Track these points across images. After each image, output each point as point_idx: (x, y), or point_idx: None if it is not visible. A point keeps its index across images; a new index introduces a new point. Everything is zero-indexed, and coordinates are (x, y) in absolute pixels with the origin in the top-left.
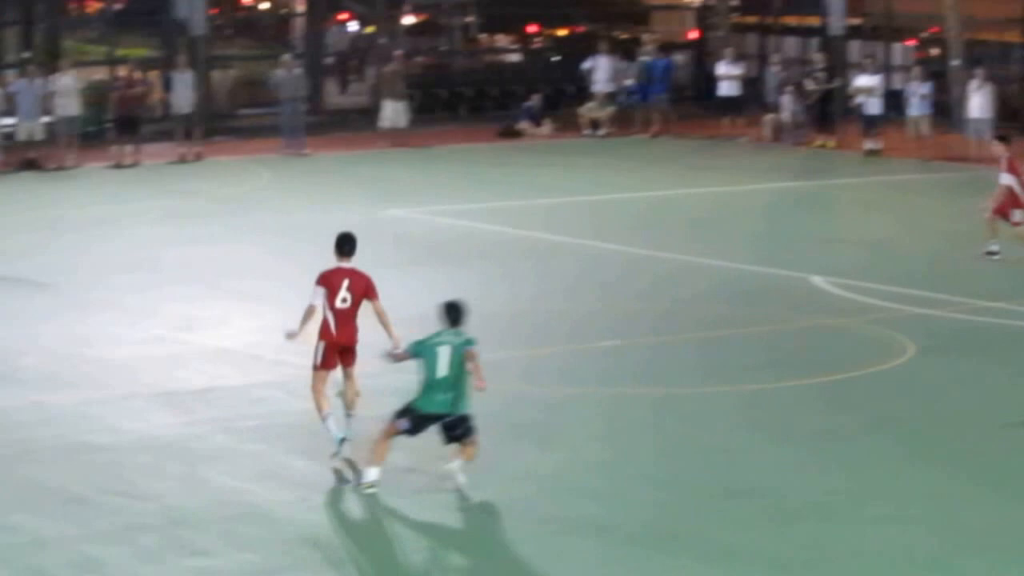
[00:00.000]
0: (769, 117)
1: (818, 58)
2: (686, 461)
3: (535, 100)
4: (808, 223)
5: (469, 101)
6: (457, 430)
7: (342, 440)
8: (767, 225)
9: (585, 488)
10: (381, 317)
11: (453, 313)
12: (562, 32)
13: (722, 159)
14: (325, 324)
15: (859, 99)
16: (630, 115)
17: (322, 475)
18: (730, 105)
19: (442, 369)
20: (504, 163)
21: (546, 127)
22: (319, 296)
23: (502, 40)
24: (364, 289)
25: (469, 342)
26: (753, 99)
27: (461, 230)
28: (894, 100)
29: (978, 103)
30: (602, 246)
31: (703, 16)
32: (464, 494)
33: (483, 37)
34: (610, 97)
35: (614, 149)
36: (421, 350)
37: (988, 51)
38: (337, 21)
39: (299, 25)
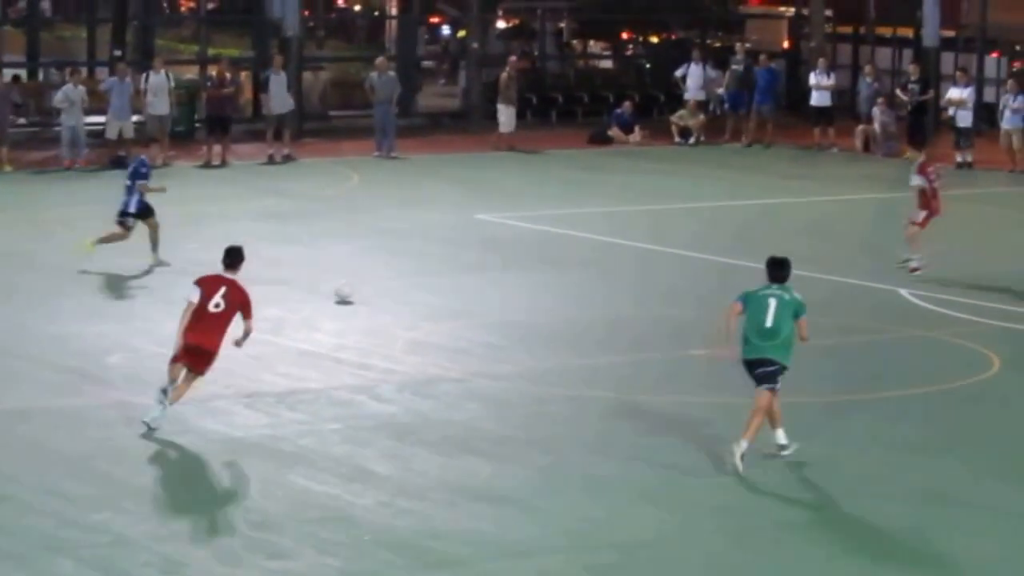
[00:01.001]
0: (861, 128)
1: (911, 69)
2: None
3: (626, 106)
4: (898, 235)
5: (560, 106)
6: (763, 369)
7: (150, 420)
8: (858, 236)
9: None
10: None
11: (778, 269)
12: (655, 39)
13: (814, 169)
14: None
15: (950, 111)
16: (721, 123)
17: (406, 479)
18: (822, 115)
19: (768, 320)
20: (594, 168)
21: (636, 134)
22: (195, 295)
23: (595, 46)
24: (241, 302)
25: (801, 307)
26: (845, 109)
27: (552, 235)
28: (988, 113)
29: None
30: (697, 256)
31: (797, 25)
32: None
33: (576, 42)
34: (702, 105)
35: (706, 157)
36: (750, 300)
37: None
38: (430, 23)
39: (392, 27)
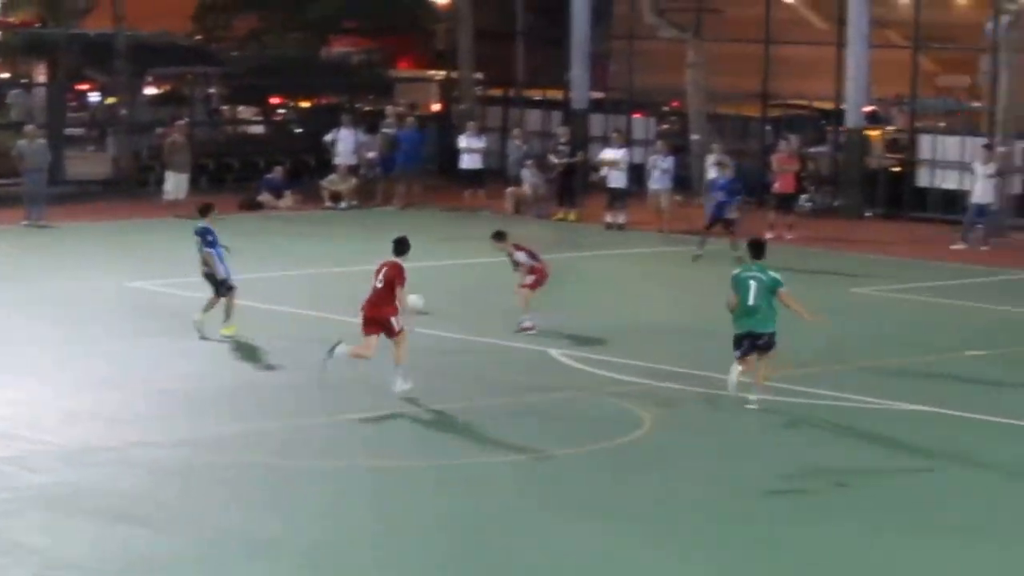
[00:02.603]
0: (511, 190)
1: (561, 131)
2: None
3: (277, 172)
4: (546, 297)
5: (211, 172)
6: (761, 341)
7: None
8: (510, 299)
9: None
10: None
11: (757, 249)
12: (306, 103)
13: (465, 232)
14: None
15: (603, 172)
16: (372, 188)
17: (59, 551)
18: (472, 178)
19: (751, 299)
20: (246, 234)
21: (287, 199)
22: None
23: (245, 111)
24: (391, 276)
25: (777, 283)
26: (496, 172)
27: (197, 302)
28: (637, 173)
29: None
30: (351, 320)
31: (447, 88)
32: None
33: (226, 108)
34: (353, 169)
35: (358, 221)
36: (737, 283)
37: (730, 125)
38: (78, 90)
39: (40, 95)
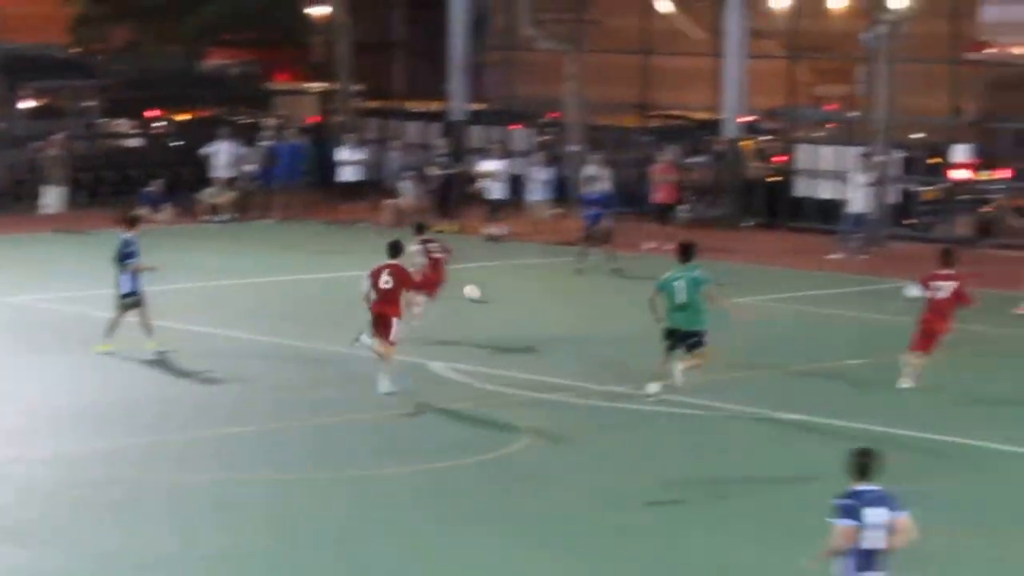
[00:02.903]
0: (390, 202)
1: (440, 143)
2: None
3: (155, 186)
4: (428, 309)
5: (88, 187)
6: (691, 340)
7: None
8: None
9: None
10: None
11: (685, 252)
12: (183, 117)
13: (344, 244)
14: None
15: (483, 184)
16: (251, 200)
17: None
18: (351, 190)
19: (680, 297)
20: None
21: (166, 213)
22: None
23: (123, 124)
24: (401, 277)
25: (704, 282)
26: (375, 184)
27: (88, 317)
28: (516, 184)
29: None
30: (219, 333)
31: (325, 101)
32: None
33: (103, 121)
34: (231, 182)
35: (236, 234)
36: (664, 285)
37: (608, 135)
38: None
39: None
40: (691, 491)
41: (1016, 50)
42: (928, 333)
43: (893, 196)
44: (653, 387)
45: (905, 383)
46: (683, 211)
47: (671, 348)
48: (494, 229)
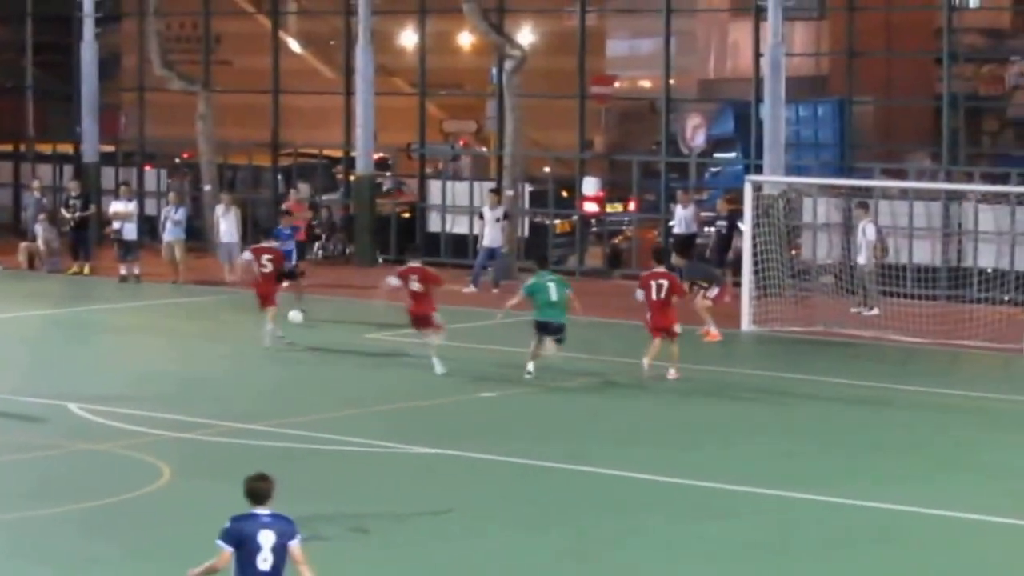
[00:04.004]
0: (24, 244)
1: (73, 185)
2: None
3: None
4: (65, 350)
5: None
6: (559, 332)
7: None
8: (23, 353)
9: None
10: None
11: (545, 262)
12: None
13: None
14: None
15: (115, 225)
16: None
17: None
18: None
19: (552, 295)
20: None
21: None
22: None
23: None
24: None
25: (567, 284)
26: (10, 227)
27: None
28: (150, 225)
29: (226, 227)
30: None
31: None
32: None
33: None
34: None
35: None
36: (535, 287)
37: (241, 175)
38: None
39: None
40: (328, 526)
41: (642, 83)
42: (658, 327)
43: (524, 229)
44: (530, 366)
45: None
46: (317, 248)
47: (541, 337)
48: (128, 269)
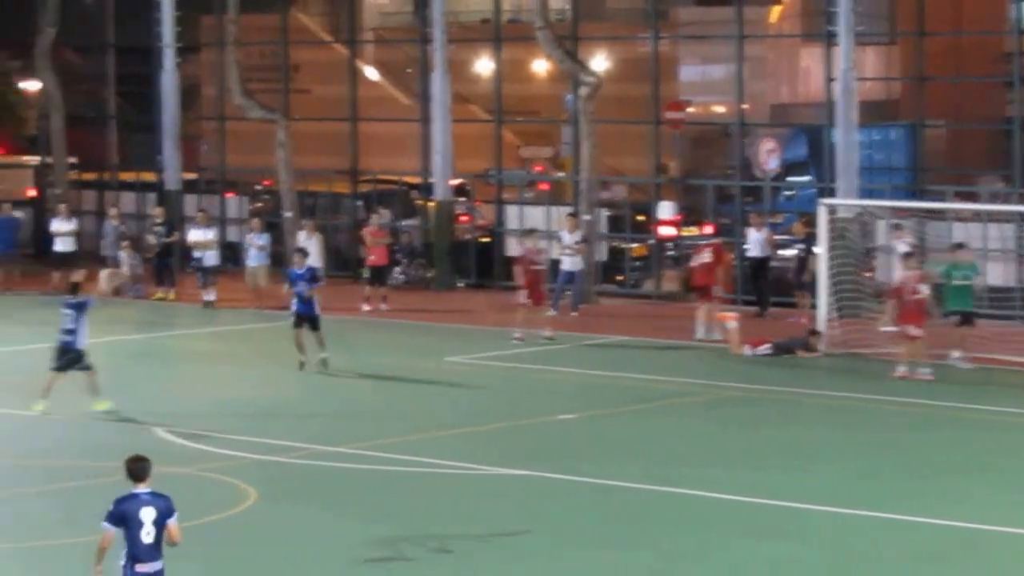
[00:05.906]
0: (106, 271)
1: (157, 212)
2: None
3: None
4: (150, 375)
5: None
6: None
7: None
8: (111, 378)
9: None
10: None
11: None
12: None
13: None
14: None
15: (196, 254)
16: None
17: None
18: (65, 260)
19: None
20: None
21: None
22: None
23: None
24: None
25: None
26: (91, 254)
27: None
28: (232, 252)
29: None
30: None
31: (42, 174)
32: None
33: None
34: None
35: None
36: None
37: (321, 201)
38: None
39: None
40: (412, 547)
41: (714, 108)
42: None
43: (602, 254)
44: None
45: None
46: (397, 273)
47: None
48: (208, 296)
